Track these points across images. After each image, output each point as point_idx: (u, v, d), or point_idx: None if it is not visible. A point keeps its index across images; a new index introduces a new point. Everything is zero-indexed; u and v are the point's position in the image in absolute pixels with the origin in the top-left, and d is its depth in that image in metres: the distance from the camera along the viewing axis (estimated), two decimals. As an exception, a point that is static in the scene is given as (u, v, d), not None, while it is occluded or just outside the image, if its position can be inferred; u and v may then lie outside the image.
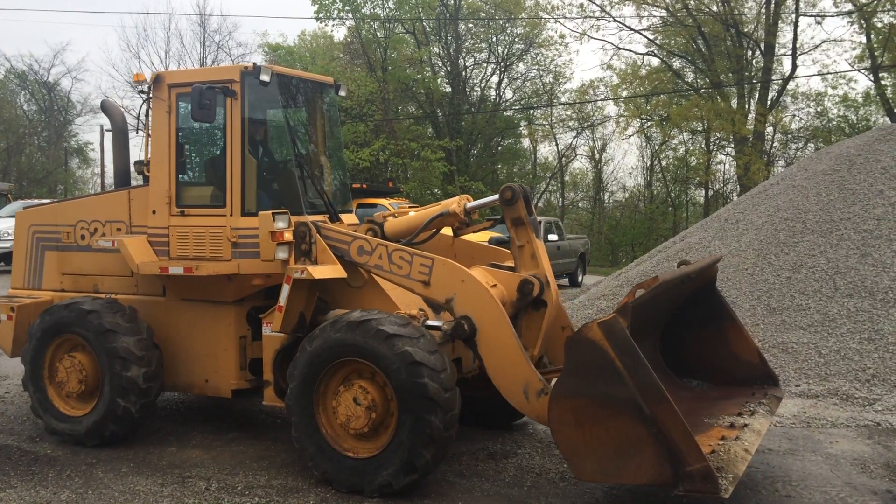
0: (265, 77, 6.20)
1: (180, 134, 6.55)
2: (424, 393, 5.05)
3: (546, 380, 5.28)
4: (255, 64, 6.26)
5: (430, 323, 5.66)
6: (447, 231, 6.71)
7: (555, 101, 39.11)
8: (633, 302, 4.70)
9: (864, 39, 30.64)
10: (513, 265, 6.10)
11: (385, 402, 5.32)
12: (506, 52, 37.48)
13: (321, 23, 34.02)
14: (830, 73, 32.13)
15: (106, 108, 7.43)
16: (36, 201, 12.61)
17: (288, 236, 5.79)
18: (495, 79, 38.39)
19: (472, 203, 6.47)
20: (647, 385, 4.44)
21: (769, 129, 33.13)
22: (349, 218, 7.02)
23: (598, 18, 33.32)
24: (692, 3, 31.58)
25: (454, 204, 6.44)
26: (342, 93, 7.33)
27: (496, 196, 6.15)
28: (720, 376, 6.34)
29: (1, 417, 7.34)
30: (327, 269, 5.71)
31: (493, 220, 7.15)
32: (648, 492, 5.43)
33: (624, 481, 4.75)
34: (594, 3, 32.89)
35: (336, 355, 5.39)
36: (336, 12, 32.78)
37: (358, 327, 5.30)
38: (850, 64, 32.58)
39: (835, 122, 33.82)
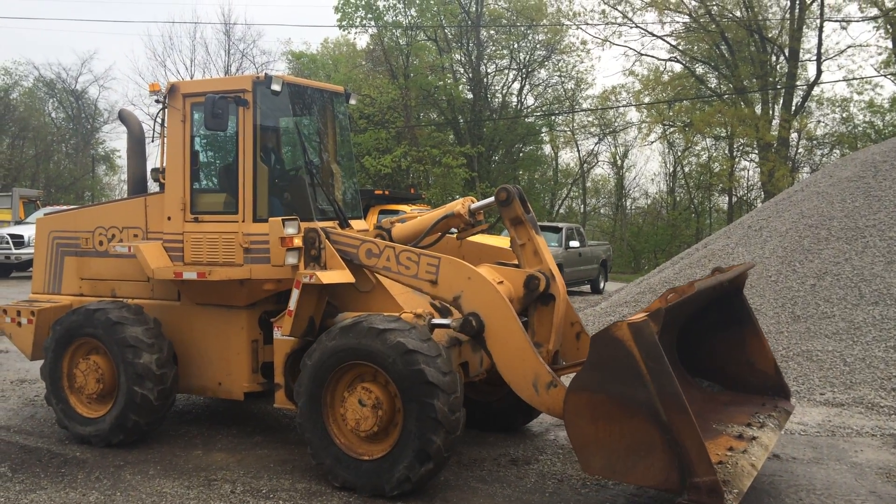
0: (276, 87, 6.29)
1: (194, 142, 6.64)
2: (423, 378, 5.13)
3: (556, 375, 5.31)
4: (266, 74, 6.36)
5: (436, 321, 5.73)
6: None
7: (576, 107, 39.01)
8: (667, 307, 4.69)
9: (890, 44, 30.24)
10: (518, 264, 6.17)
11: (390, 399, 5.40)
12: (527, 58, 37.47)
13: (344, 31, 34.29)
14: (856, 79, 31.73)
15: (123, 117, 7.53)
16: (62, 208, 12.80)
17: (297, 242, 5.88)
18: (517, 85, 38.43)
19: (476, 204, 6.58)
20: (669, 392, 4.45)
21: (794, 136, 32.77)
22: (359, 224, 7.08)
23: (619, 25, 33.25)
24: (715, 8, 31.37)
25: (459, 205, 6.57)
26: (352, 101, 7.45)
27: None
28: (732, 381, 6.29)
29: (31, 420, 7.46)
30: (336, 275, 5.79)
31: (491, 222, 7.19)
32: (666, 499, 5.36)
33: (629, 481, 4.78)
34: (616, 9, 32.83)
35: (336, 363, 5.48)
36: (358, 20, 33.04)
37: (350, 330, 5.43)
38: (875, 69, 32.06)
39: (860, 128, 33.34)
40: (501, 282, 5.76)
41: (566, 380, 5.27)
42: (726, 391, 6.25)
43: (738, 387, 6.24)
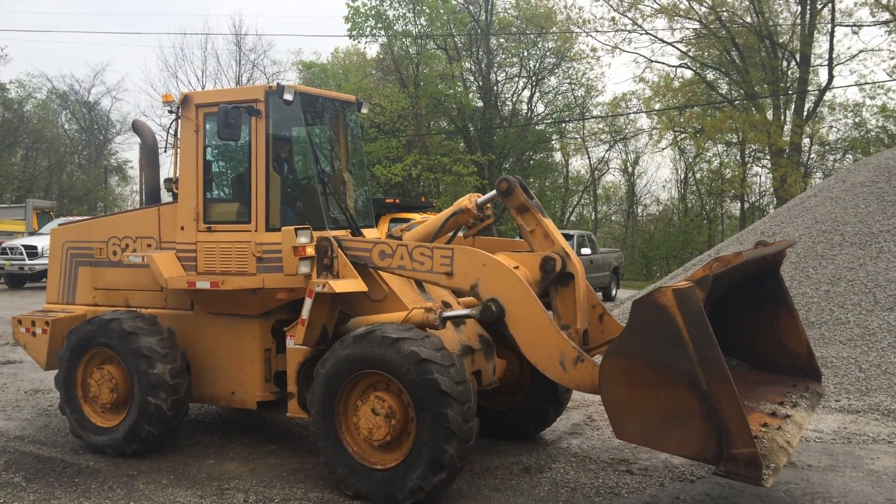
0: (288, 96, 6.30)
1: (207, 152, 6.67)
2: (436, 388, 5.12)
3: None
4: (278, 84, 6.38)
5: (447, 314, 5.73)
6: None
7: (587, 114, 39.03)
8: (714, 274, 4.56)
9: (902, 48, 30.09)
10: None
11: (403, 408, 5.38)
12: (537, 66, 37.57)
13: (354, 40, 34.45)
14: (868, 83, 31.61)
15: (137, 127, 7.58)
16: (76, 218, 12.90)
17: (310, 251, 5.88)
18: (527, 93, 38.55)
19: (483, 198, 6.62)
20: (711, 361, 4.33)
21: (806, 141, 32.65)
22: (371, 232, 7.09)
23: (629, 32, 33.26)
24: (725, 14, 31.32)
25: (466, 201, 6.62)
26: (364, 110, 7.47)
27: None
28: (762, 361, 6.13)
29: (45, 430, 7.49)
30: (348, 283, 5.79)
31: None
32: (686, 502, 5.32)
33: (663, 450, 4.68)
34: (626, 16, 32.86)
35: (349, 371, 5.47)
36: (368, 30, 33.19)
37: (364, 339, 5.41)
38: (888, 74, 32.01)
39: (873, 133, 33.22)
40: (517, 267, 5.72)
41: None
42: (756, 370, 6.08)
43: (769, 367, 6.09)
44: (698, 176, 38.73)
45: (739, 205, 36.60)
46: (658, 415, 4.51)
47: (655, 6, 32.22)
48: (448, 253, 5.65)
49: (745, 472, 4.24)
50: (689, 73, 34.78)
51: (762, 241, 6.12)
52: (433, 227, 6.64)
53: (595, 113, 39.33)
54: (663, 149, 37.23)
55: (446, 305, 6.36)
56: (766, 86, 32.18)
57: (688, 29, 32.95)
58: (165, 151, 7.00)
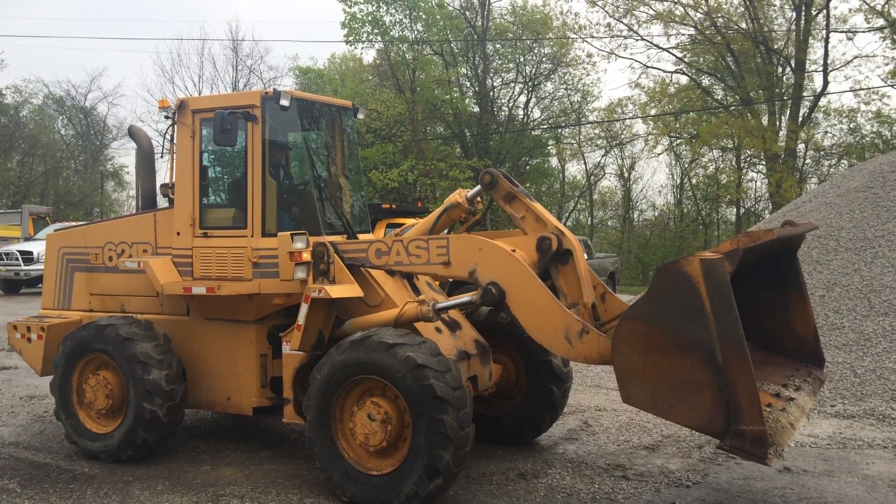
0: (285, 102, 6.32)
1: (203, 158, 6.67)
2: (432, 393, 5.11)
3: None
4: (274, 89, 6.39)
5: (442, 304, 5.71)
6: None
7: (583, 119, 39.10)
8: (746, 249, 4.50)
9: (896, 54, 30.21)
10: None
11: (399, 414, 5.37)
12: (533, 71, 37.62)
13: (350, 46, 34.49)
14: (863, 89, 31.68)
15: (133, 133, 7.59)
16: (72, 224, 12.88)
17: (306, 256, 5.90)
18: (523, 98, 38.56)
19: (471, 192, 6.66)
20: (731, 336, 4.29)
21: (801, 146, 32.74)
22: (367, 238, 7.06)
23: (625, 38, 33.36)
24: (720, 20, 31.44)
25: (456, 196, 6.66)
26: (360, 115, 7.48)
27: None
28: (767, 342, 6.08)
29: (40, 436, 7.47)
30: (344, 289, 5.81)
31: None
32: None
33: (670, 419, 4.62)
34: (622, 22, 32.96)
35: (345, 377, 5.47)
36: (365, 35, 33.23)
37: (360, 344, 5.41)
38: (882, 79, 32.07)
39: (868, 139, 33.28)
40: (514, 250, 5.69)
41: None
42: (759, 350, 6.01)
43: (773, 348, 6.04)
44: (694, 181, 38.79)
45: (735, 210, 36.68)
46: (669, 383, 4.47)
47: (651, 12, 32.37)
48: (443, 242, 5.67)
49: (750, 449, 4.22)
50: (684, 79, 34.88)
51: (789, 220, 6.07)
52: (427, 225, 6.68)
53: (591, 118, 39.41)
54: (659, 154, 37.33)
55: None
56: (761, 91, 32.27)
57: (683, 35, 33.08)
58: (162, 157, 7.02)
